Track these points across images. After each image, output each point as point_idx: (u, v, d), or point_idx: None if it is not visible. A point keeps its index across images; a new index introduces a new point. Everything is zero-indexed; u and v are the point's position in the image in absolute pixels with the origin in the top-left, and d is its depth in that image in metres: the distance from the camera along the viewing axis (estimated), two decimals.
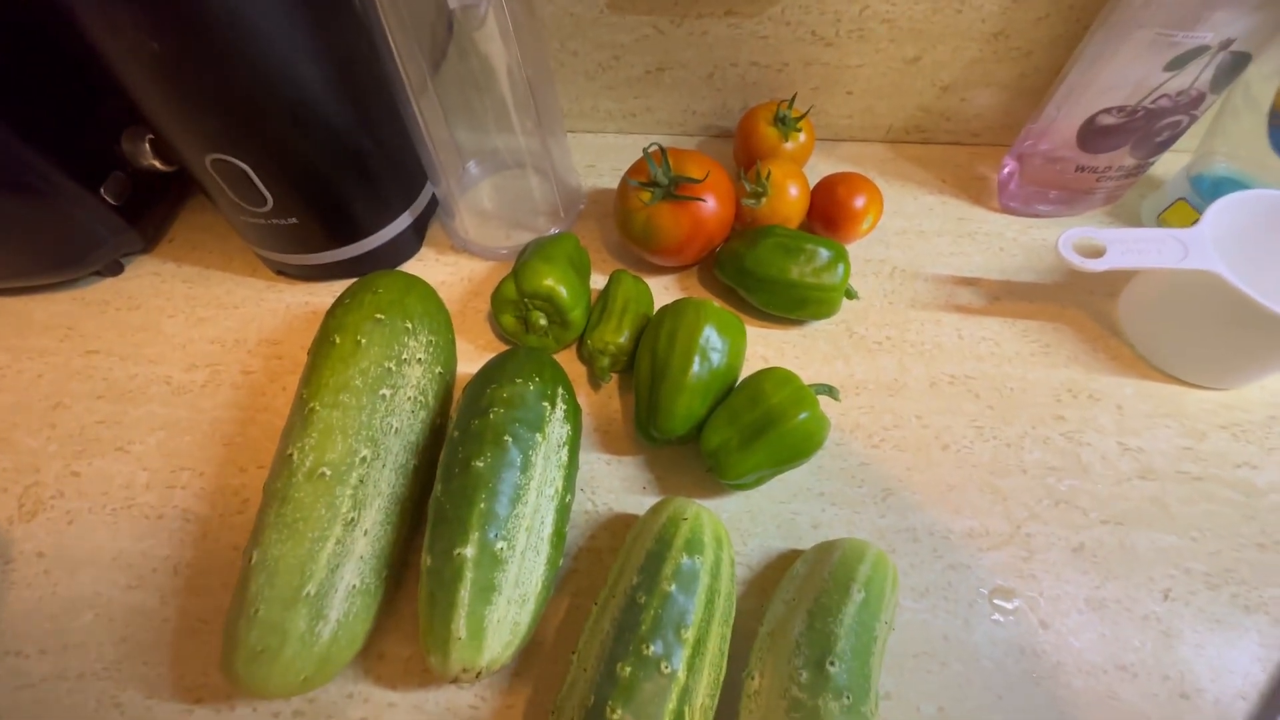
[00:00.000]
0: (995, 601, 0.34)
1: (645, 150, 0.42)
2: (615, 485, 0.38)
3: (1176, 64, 0.36)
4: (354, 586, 0.30)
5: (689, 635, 0.27)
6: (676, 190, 0.41)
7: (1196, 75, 0.37)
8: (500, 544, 0.29)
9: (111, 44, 0.31)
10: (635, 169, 0.43)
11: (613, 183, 0.53)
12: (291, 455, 0.31)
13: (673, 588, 0.28)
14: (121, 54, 0.32)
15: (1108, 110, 0.40)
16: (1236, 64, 0.36)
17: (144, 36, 0.30)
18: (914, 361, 0.42)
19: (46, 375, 0.44)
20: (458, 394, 0.41)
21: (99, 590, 0.36)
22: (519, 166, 0.52)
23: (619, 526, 0.37)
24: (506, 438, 0.31)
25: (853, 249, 0.48)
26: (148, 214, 0.49)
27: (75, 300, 0.48)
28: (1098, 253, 0.37)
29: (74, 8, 0.30)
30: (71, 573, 0.37)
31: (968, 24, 0.45)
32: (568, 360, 0.43)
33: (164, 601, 0.35)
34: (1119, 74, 0.38)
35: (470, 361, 0.43)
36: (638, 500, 0.38)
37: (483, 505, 0.30)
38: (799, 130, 0.47)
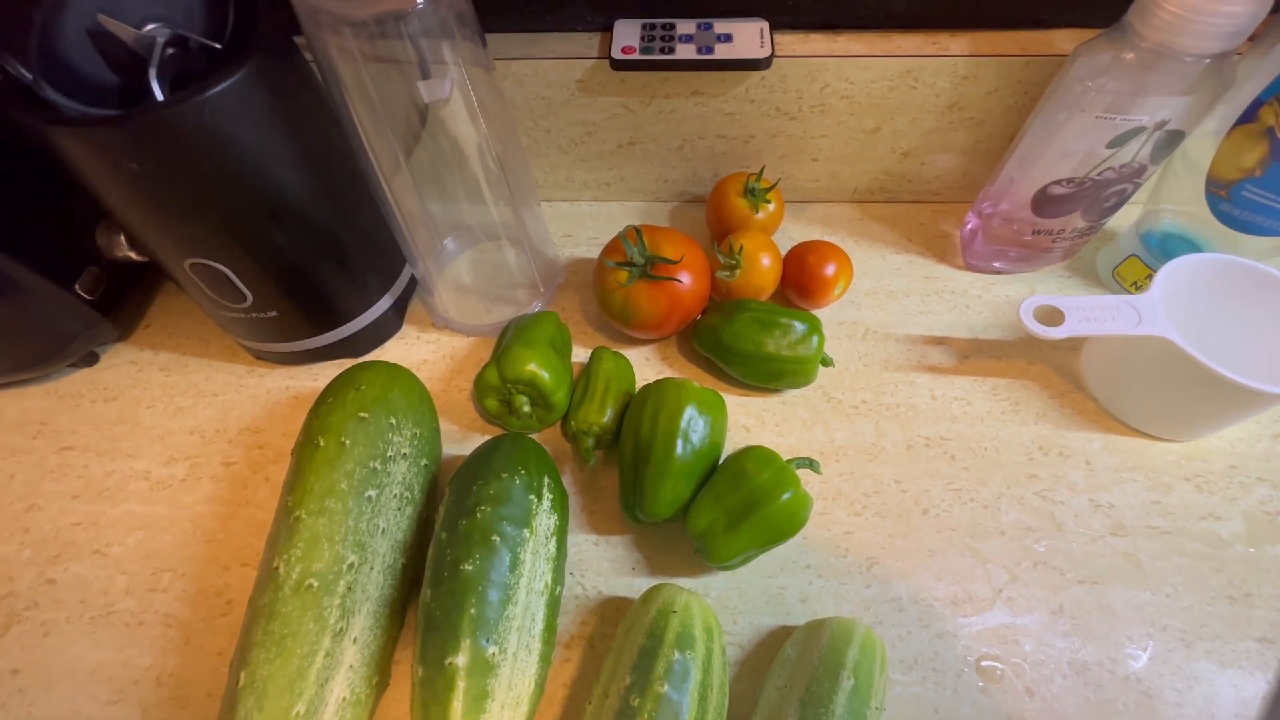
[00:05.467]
0: (982, 666, 0.35)
1: (621, 233, 0.43)
2: (604, 567, 0.39)
3: (1118, 142, 0.38)
4: (344, 699, 0.30)
5: None
6: (652, 270, 0.42)
7: (1137, 151, 0.39)
8: (491, 649, 0.29)
9: (87, 164, 0.32)
10: (612, 248, 0.44)
11: (590, 252, 0.54)
12: (278, 568, 0.31)
13: (665, 688, 0.28)
14: (97, 173, 0.32)
15: (1058, 181, 0.42)
16: (1172, 140, 0.39)
17: (122, 157, 0.31)
18: (890, 425, 0.43)
19: (19, 475, 0.43)
20: (443, 480, 0.41)
21: (77, 708, 0.35)
22: (495, 241, 0.53)
23: (610, 610, 0.37)
24: (494, 538, 0.32)
25: (825, 312, 0.49)
26: (123, 303, 0.49)
27: (48, 394, 0.47)
28: (1057, 319, 0.39)
29: (48, 134, 0.30)
30: (48, 690, 0.35)
31: (922, 98, 0.47)
32: (552, 436, 0.44)
33: (146, 716, 0.35)
34: (1066, 148, 0.40)
35: (455, 443, 0.43)
36: (627, 582, 0.38)
37: (473, 610, 0.30)
38: (768, 201, 0.48)
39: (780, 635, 0.36)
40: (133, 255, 0.44)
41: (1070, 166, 0.41)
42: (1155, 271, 0.42)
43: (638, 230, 0.43)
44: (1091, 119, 0.38)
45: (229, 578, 0.39)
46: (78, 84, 0.31)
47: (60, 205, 0.43)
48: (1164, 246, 0.46)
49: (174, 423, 0.45)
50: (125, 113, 0.30)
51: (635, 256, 0.42)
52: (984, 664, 0.35)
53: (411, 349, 0.49)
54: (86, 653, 0.37)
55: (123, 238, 0.43)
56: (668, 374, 0.46)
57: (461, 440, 0.44)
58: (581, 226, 0.56)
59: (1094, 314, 0.38)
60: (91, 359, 0.48)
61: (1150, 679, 0.34)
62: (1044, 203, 0.44)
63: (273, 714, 0.28)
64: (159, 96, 0.31)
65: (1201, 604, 0.36)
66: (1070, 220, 0.45)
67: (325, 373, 0.47)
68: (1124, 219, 0.50)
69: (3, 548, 0.40)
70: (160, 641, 0.37)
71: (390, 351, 0.49)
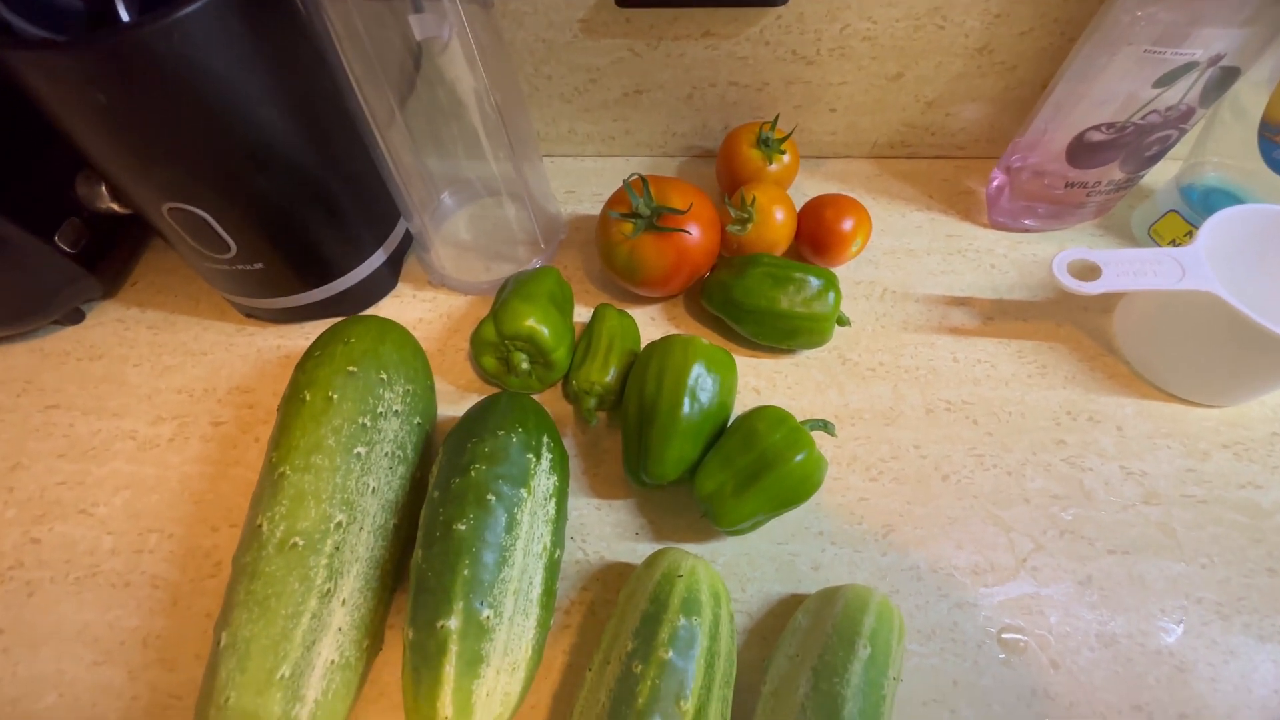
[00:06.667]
0: (1004, 638, 0.33)
1: (626, 181, 0.40)
2: (606, 532, 0.37)
3: (1166, 80, 0.35)
4: (332, 662, 0.29)
5: (689, 706, 0.26)
6: (659, 221, 0.40)
7: (1186, 91, 0.36)
8: (486, 612, 0.28)
9: (53, 96, 0.29)
10: (616, 200, 0.41)
11: (593, 209, 0.51)
12: (261, 526, 0.29)
13: (670, 654, 0.27)
14: (64, 106, 0.30)
15: (1097, 127, 0.39)
16: (1225, 79, 0.35)
17: (88, 88, 0.28)
18: (909, 388, 0.41)
19: (2, 434, 0.42)
20: (438, 441, 0.39)
21: (63, 668, 0.34)
22: (494, 195, 0.51)
23: (612, 576, 0.35)
24: (489, 497, 0.30)
25: (841, 270, 0.46)
26: (107, 258, 0.47)
27: (33, 352, 0.46)
28: (1093, 273, 0.37)
29: (8, 59, 0.28)
30: (33, 650, 0.34)
31: (950, 40, 0.44)
32: (553, 398, 0.42)
33: (133, 677, 0.33)
34: (1107, 90, 0.37)
35: (451, 404, 0.42)
36: (630, 547, 0.36)
37: (466, 572, 0.28)
38: (783, 152, 0.45)
39: (791, 603, 0.34)
40: (115, 207, 0.42)
41: (1111, 110, 0.38)
42: (1196, 229, 0.39)
43: (643, 179, 0.40)
44: (1138, 54, 0.35)
45: (217, 539, 0.37)
46: (39, 6, 0.29)
47: (38, 153, 0.41)
48: (1206, 201, 0.43)
49: (161, 382, 0.44)
50: (88, 36, 0.27)
51: (641, 207, 0.40)
52: (1006, 635, 0.33)
53: (406, 307, 0.46)
54: (72, 613, 0.35)
55: (104, 188, 0.41)
56: (674, 334, 0.44)
57: (458, 401, 0.42)
58: (584, 182, 0.53)
59: (1133, 268, 0.36)
60: (77, 316, 0.47)
61: (1184, 653, 0.32)
62: (1080, 151, 0.41)
63: (256, 676, 0.27)
64: (124, 18, 0.28)
65: (1239, 576, 0.34)
66: (1107, 171, 0.42)
67: (317, 331, 0.44)
68: (1160, 176, 0.47)
69: None
70: (147, 603, 0.36)
71: (384, 310, 0.47)
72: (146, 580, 0.36)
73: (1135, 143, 0.39)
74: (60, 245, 0.42)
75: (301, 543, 0.29)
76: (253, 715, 0.26)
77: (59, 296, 0.44)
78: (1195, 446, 0.38)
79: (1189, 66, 0.34)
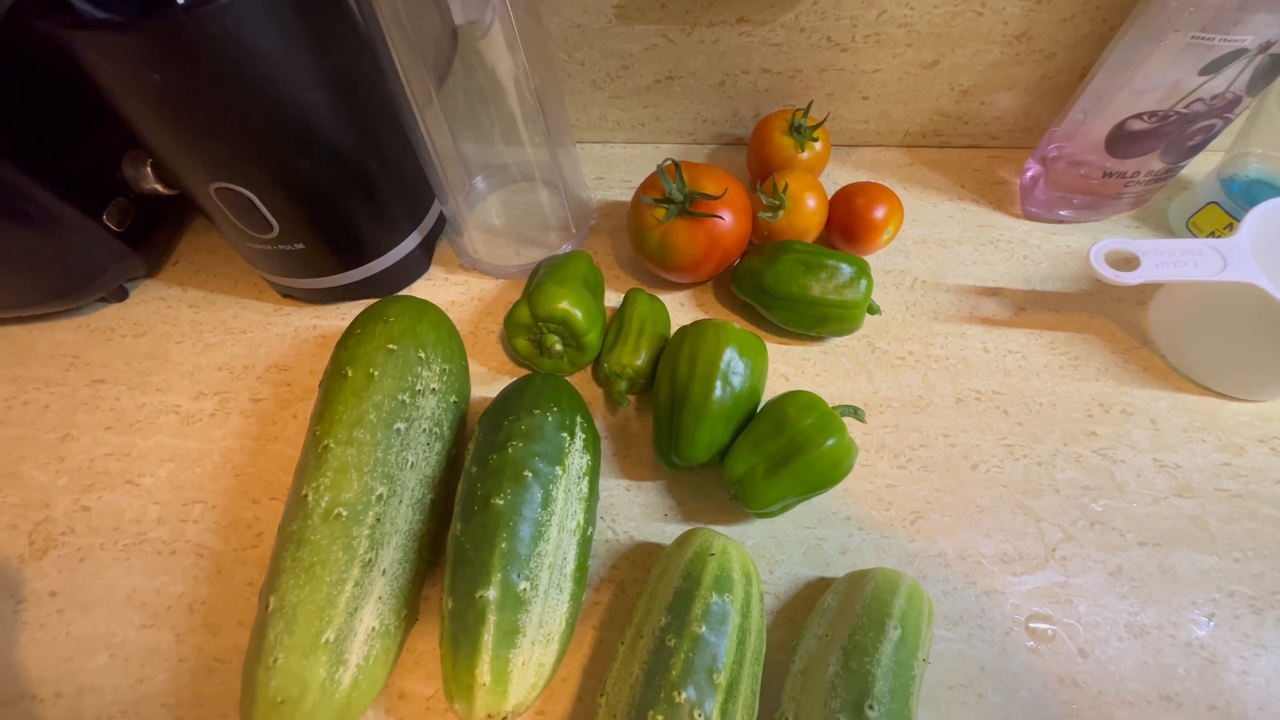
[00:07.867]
0: (1032, 626, 0.33)
1: (659, 166, 0.40)
2: (635, 512, 0.37)
3: (1213, 68, 0.35)
4: (373, 629, 0.30)
5: (721, 680, 0.26)
6: (692, 207, 0.40)
7: (1233, 79, 0.35)
8: (523, 584, 0.29)
9: (110, 75, 0.30)
10: (649, 185, 0.42)
11: (623, 195, 0.52)
12: (306, 496, 0.30)
13: (703, 629, 0.27)
14: (120, 85, 0.31)
15: (1138, 115, 0.38)
16: (1275, 66, 0.35)
17: (144, 67, 0.29)
18: (939, 377, 0.41)
19: (53, 406, 0.43)
20: (472, 420, 0.40)
21: (113, 630, 0.35)
22: (527, 180, 0.51)
23: (641, 556, 0.36)
24: (526, 473, 0.30)
25: (872, 259, 0.46)
26: (151, 238, 0.48)
27: (80, 328, 0.47)
28: (1131, 264, 0.36)
29: (69, 38, 0.29)
30: (85, 612, 0.36)
31: (989, 27, 0.43)
32: (584, 381, 0.42)
33: (180, 640, 0.35)
34: (1151, 78, 0.37)
35: (483, 385, 0.42)
36: (659, 528, 0.37)
37: (504, 545, 0.29)
38: (815, 139, 0.45)
39: (818, 586, 0.35)
40: (159, 188, 0.43)
41: (1154, 99, 0.38)
42: (1237, 221, 0.38)
43: (677, 165, 0.40)
44: (1185, 41, 0.34)
45: (258, 511, 0.39)
46: None
47: (87, 134, 0.42)
48: (1248, 193, 0.42)
49: (203, 359, 0.45)
50: (145, 16, 0.28)
51: (674, 192, 0.40)
52: (1034, 624, 0.33)
53: (439, 290, 0.47)
54: (121, 578, 0.37)
55: (149, 169, 0.42)
56: (706, 318, 0.44)
57: (490, 382, 0.43)
58: (614, 169, 0.54)
59: (1174, 258, 0.35)
60: (121, 294, 0.48)
61: (1215, 645, 0.32)
62: (1120, 140, 0.40)
63: (302, 639, 0.28)
64: (179, 0, 0.29)
65: (1273, 571, 0.34)
66: (1147, 161, 0.41)
67: (352, 312, 0.46)
68: (1199, 168, 0.46)
69: (40, 475, 0.41)
70: (192, 570, 0.37)
71: (418, 292, 0.47)
72: (191, 549, 0.38)
73: (1177, 132, 0.39)
74: (108, 224, 0.43)
75: (345, 513, 0.30)
76: (299, 676, 0.27)
77: (105, 274, 0.45)
78: (1231, 441, 0.38)
79: (1238, 53, 0.34)
